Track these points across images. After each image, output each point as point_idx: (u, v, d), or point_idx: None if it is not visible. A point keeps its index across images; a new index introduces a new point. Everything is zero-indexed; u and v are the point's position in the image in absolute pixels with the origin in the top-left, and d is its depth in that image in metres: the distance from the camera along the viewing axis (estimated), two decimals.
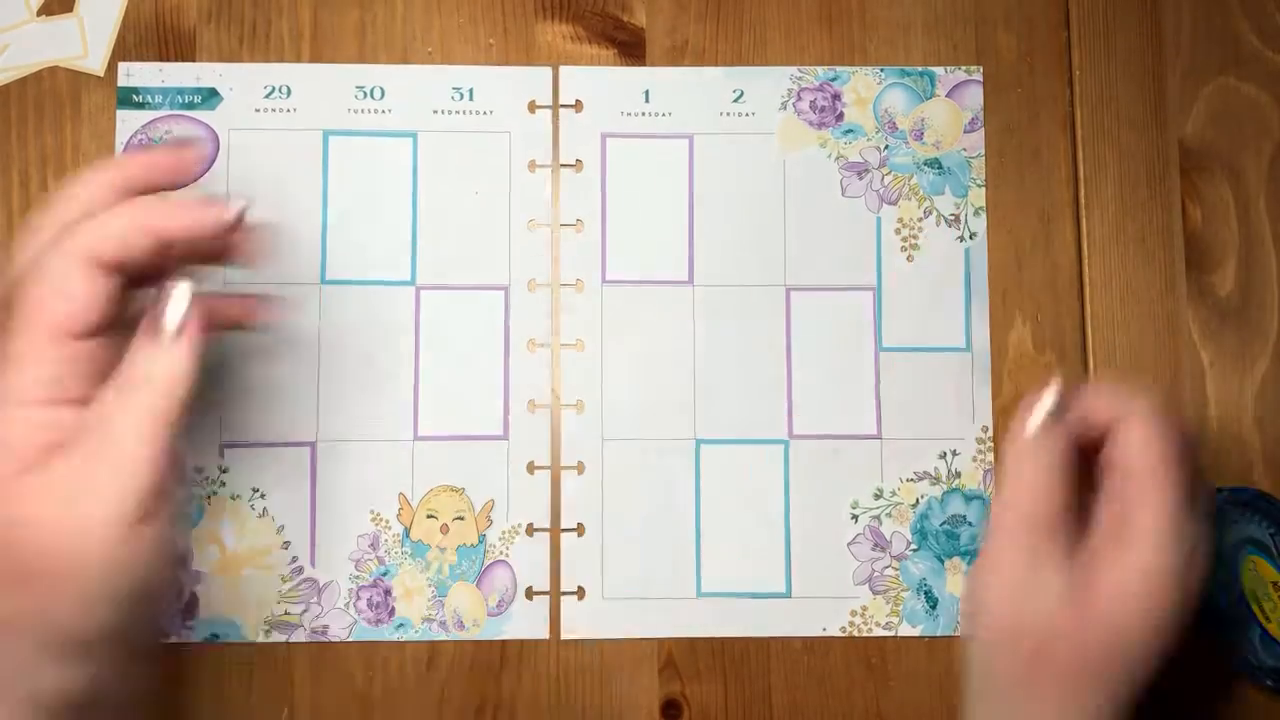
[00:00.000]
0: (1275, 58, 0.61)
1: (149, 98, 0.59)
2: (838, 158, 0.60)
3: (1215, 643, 0.56)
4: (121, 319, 0.40)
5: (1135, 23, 0.61)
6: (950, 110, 0.60)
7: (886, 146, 0.60)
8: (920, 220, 0.60)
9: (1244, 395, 0.59)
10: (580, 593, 0.57)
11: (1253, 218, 0.60)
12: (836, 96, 0.60)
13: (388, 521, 0.57)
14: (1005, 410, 0.58)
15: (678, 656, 0.57)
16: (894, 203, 0.60)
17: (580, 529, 0.57)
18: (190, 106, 0.59)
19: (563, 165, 0.60)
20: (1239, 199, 0.60)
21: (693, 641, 0.57)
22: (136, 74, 0.59)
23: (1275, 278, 0.59)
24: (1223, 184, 0.60)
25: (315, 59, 0.59)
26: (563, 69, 0.60)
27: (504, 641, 0.56)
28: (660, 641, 0.57)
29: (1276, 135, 0.60)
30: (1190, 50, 0.61)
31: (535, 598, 0.57)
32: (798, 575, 0.57)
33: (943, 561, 0.58)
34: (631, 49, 0.60)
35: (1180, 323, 0.59)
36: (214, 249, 0.43)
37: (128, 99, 0.59)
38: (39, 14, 0.59)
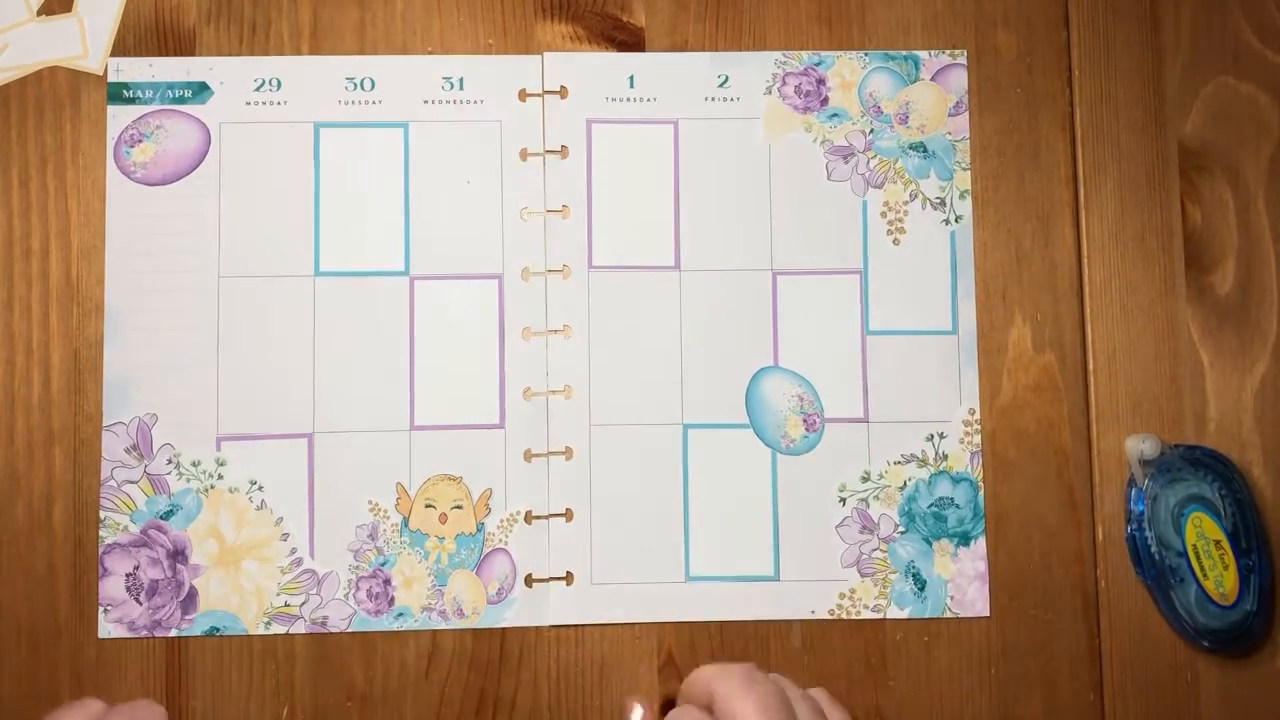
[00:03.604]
0: (1275, 58, 0.69)
1: (139, 93, 0.67)
2: (823, 142, 0.68)
3: (1154, 599, 0.65)
4: None
5: (1135, 23, 0.69)
6: (935, 94, 0.69)
7: (871, 130, 0.69)
8: (906, 204, 0.68)
9: (1244, 395, 0.67)
10: (569, 578, 0.65)
11: (1252, 217, 0.68)
12: (821, 81, 0.69)
13: (386, 511, 0.65)
14: (1005, 410, 0.67)
15: (678, 655, 0.65)
16: (879, 186, 0.68)
17: (569, 514, 0.66)
18: (181, 101, 0.67)
19: (548, 152, 0.68)
20: (1238, 199, 0.68)
21: (693, 640, 0.65)
22: (126, 69, 0.67)
23: (1275, 277, 0.67)
24: (1222, 184, 0.68)
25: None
26: (547, 55, 0.68)
27: (504, 638, 0.64)
28: (659, 640, 0.65)
29: (1276, 135, 0.68)
30: (1190, 50, 0.69)
31: (535, 585, 0.65)
32: (786, 558, 0.65)
33: (930, 543, 0.66)
34: (631, 49, 0.69)
35: (1180, 323, 0.67)
36: None
37: (118, 94, 0.67)
38: (39, 14, 0.68)
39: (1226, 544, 0.63)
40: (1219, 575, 0.63)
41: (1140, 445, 0.64)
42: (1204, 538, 0.63)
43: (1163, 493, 0.64)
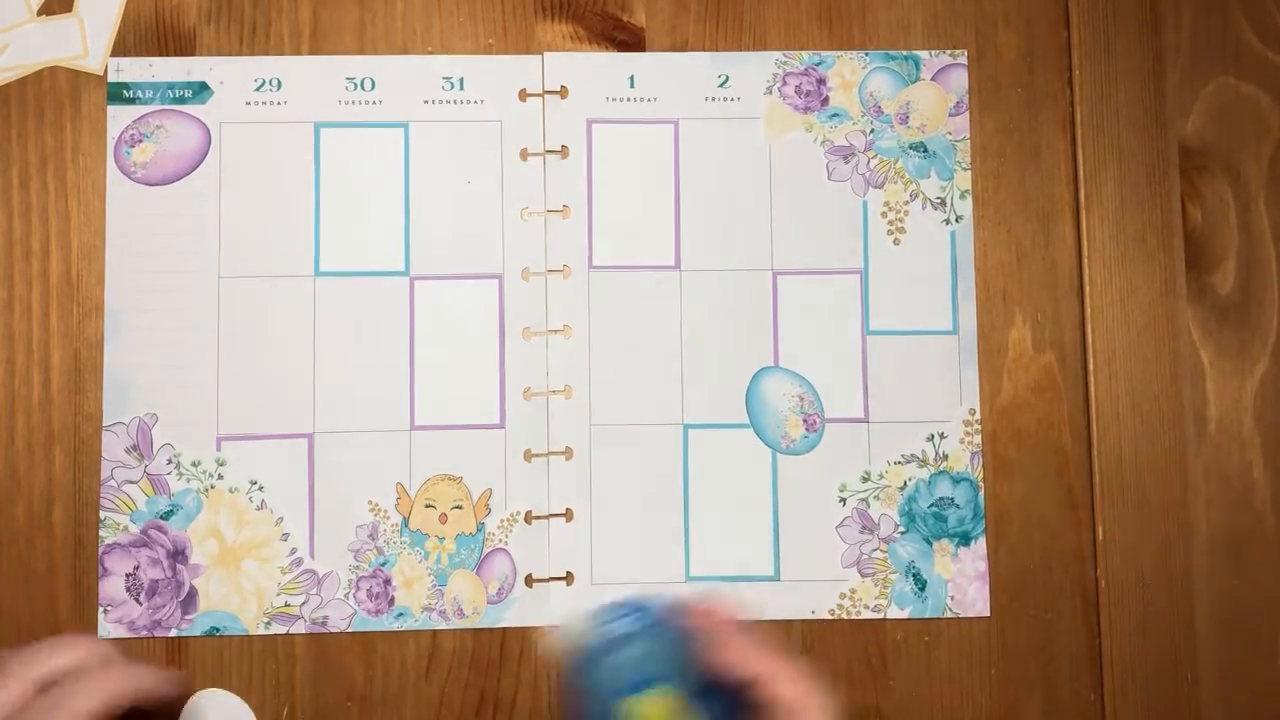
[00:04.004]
0: (1275, 58, 0.69)
1: (139, 93, 0.68)
2: (823, 141, 0.69)
3: None
4: None
5: (1135, 23, 0.70)
6: (935, 93, 0.69)
7: (872, 130, 0.69)
8: (906, 204, 0.68)
9: (1244, 395, 0.67)
10: (569, 578, 0.65)
11: (1252, 217, 0.68)
12: (822, 81, 0.69)
13: (386, 511, 0.65)
14: (1005, 410, 0.67)
15: None
16: (880, 186, 0.69)
17: (569, 514, 0.66)
18: (181, 101, 0.68)
19: (548, 152, 0.68)
20: (1239, 199, 0.68)
21: None
22: (127, 69, 0.68)
23: (1275, 277, 0.68)
24: (1222, 184, 0.69)
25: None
26: (547, 55, 0.69)
27: (504, 638, 0.65)
28: None
29: (1276, 135, 0.69)
30: (1190, 50, 0.69)
31: (535, 585, 0.65)
32: (786, 558, 0.66)
33: (930, 543, 0.66)
34: (631, 49, 0.69)
35: (1180, 322, 0.68)
36: None
37: (118, 94, 0.68)
38: (39, 14, 0.68)
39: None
40: None
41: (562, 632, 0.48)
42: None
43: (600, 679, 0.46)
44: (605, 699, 0.46)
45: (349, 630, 0.65)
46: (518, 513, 0.66)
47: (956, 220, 0.68)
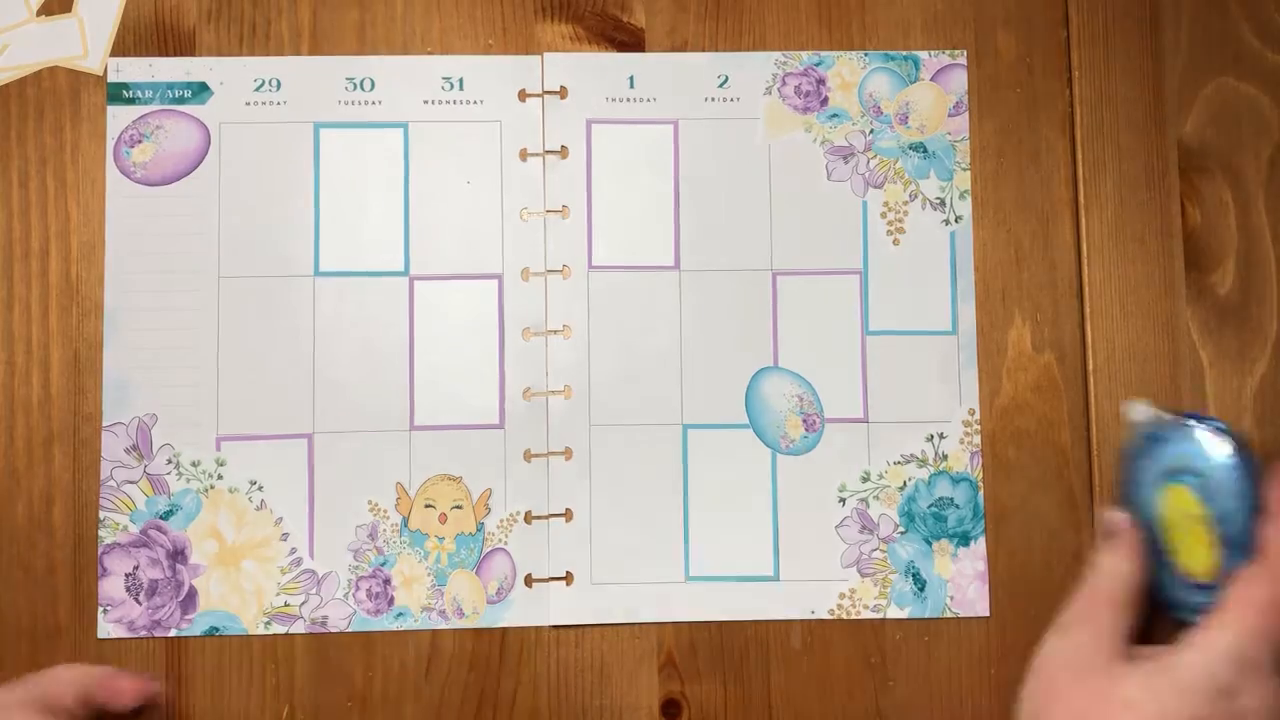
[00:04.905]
0: (1275, 58, 0.69)
1: (139, 93, 0.68)
2: (823, 142, 0.69)
3: None
4: None
5: (1134, 23, 0.70)
6: (935, 94, 0.69)
7: (871, 130, 0.69)
8: (906, 204, 0.68)
9: (1244, 395, 0.67)
10: (569, 578, 0.66)
11: (1252, 218, 0.68)
12: (821, 81, 0.69)
13: (386, 511, 0.65)
14: (1005, 410, 0.67)
15: (678, 655, 0.65)
16: (879, 186, 0.69)
17: (569, 514, 0.66)
18: (180, 101, 0.68)
19: (548, 152, 0.69)
20: (1238, 199, 0.68)
21: (692, 640, 0.65)
22: (126, 69, 0.68)
23: (1275, 277, 0.68)
24: (1222, 184, 0.68)
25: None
26: (547, 55, 0.69)
27: (504, 638, 0.65)
28: (659, 640, 0.65)
29: (1276, 135, 0.69)
30: (1189, 50, 0.69)
31: (535, 585, 0.65)
32: (786, 558, 0.66)
33: (930, 544, 0.66)
34: (631, 49, 0.69)
35: (1180, 323, 0.68)
36: None
37: (118, 95, 0.68)
38: (39, 14, 0.68)
39: (1209, 520, 0.58)
40: (1194, 553, 0.59)
41: (1134, 408, 0.62)
42: (1180, 512, 0.59)
43: (1145, 462, 0.61)
44: (1147, 481, 0.61)
45: (349, 630, 0.65)
46: (517, 513, 0.66)
47: (956, 220, 0.68)
